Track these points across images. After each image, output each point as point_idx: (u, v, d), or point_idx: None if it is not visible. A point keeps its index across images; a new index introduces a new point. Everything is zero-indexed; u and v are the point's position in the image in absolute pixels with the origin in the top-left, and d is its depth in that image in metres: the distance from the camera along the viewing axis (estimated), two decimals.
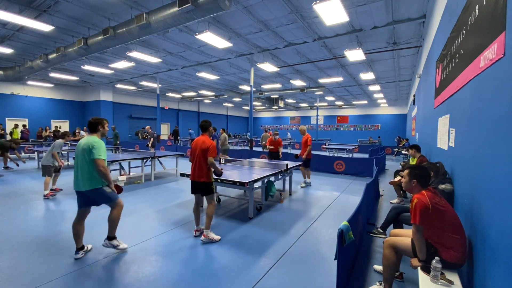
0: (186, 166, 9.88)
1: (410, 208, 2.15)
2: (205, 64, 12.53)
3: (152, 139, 10.09)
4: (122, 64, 11.58)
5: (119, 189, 3.21)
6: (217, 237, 3.49)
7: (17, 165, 9.05)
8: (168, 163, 10.08)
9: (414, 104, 11.86)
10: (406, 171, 2.34)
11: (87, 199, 2.98)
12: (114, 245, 3.10)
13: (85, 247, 3.10)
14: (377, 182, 6.03)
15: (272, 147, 7.82)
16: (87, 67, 12.19)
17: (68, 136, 5.95)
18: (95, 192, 2.92)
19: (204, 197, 3.64)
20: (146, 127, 10.83)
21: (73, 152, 10.48)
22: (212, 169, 3.55)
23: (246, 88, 18.51)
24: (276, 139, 7.86)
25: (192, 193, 3.61)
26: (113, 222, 3.06)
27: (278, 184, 6.21)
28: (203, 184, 3.50)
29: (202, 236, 3.46)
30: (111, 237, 3.10)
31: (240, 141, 22.71)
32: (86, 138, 2.99)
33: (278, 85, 17.51)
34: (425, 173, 2.27)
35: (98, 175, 2.90)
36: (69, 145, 11.24)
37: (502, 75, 1.56)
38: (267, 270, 2.79)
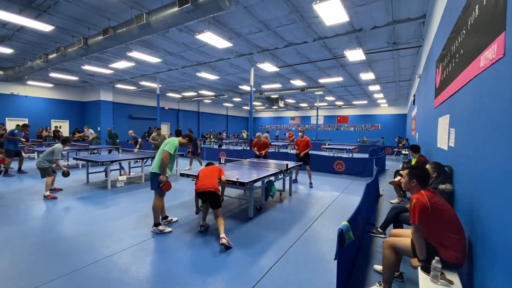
0: (186, 166, 9.88)
1: (409, 208, 2.15)
2: (205, 64, 12.53)
3: (138, 142, 9.98)
4: (122, 64, 11.57)
5: (168, 185, 3.74)
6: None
7: None
8: None
9: (414, 104, 11.86)
10: (406, 171, 2.34)
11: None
12: (160, 230, 3.67)
13: (169, 218, 4.06)
14: (377, 182, 6.03)
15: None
16: (87, 67, 12.19)
17: (70, 142, 6.03)
18: (153, 175, 3.73)
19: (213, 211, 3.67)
20: (129, 131, 10.72)
21: (73, 153, 10.55)
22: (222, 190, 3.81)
23: (246, 88, 18.50)
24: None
25: (203, 202, 3.82)
26: (154, 210, 3.68)
27: (278, 184, 6.21)
28: (213, 194, 3.58)
29: (223, 240, 3.27)
30: (156, 223, 3.68)
31: (240, 141, 22.71)
32: (171, 138, 3.86)
33: (278, 85, 17.51)
34: (425, 173, 2.27)
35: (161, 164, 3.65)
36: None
37: (502, 75, 1.56)
38: (267, 270, 2.79)
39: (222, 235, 3.37)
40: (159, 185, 3.70)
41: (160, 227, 3.68)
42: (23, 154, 8.64)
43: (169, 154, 3.67)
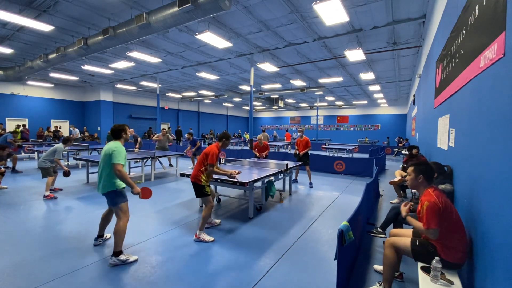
0: (186, 166, 9.88)
1: (420, 213, 2.13)
2: (205, 64, 12.53)
3: (138, 141, 10.05)
4: (122, 64, 11.57)
5: (147, 192, 3.15)
6: (209, 238, 3.47)
7: None
8: (168, 163, 10.07)
9: (414, 104, 11.87)
10: (411, 168, 2.33)
11: (106, 200, 3.11)
12: (122, 260, 2.84)
13: (104, 236, 3.42)
14: (377, 182, 6.03)
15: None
16: (87, 67, 12.19)
17: (71, 141, 6.05)
18: (107, 196, 3.03)
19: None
20: (130, 130, 10.85)
21: (73, 153, 10.53)
22: (209, 174, 3.62)
23: (246, 88, 18.50)
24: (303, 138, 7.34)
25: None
26: (117, 235, 2.89)
27: (278, 184, 6.21)
28: (194, 185, 3.60)
29: (194, 236, 3.51)
30: (117, 252, 2.86)
31: (239, 141, 22.70)
32: (109, 144, 3.03)
33: (278, 85, 17.50)
34: (430, 168, 2.30)
35: (113, 180, 2.96)
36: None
37: (502, 75, 1.56)
38: (267, 270, 2.79)
39: (198, 231, 3.49)
40: (115, 201, 3.00)
41: (122, 257, 2.86)
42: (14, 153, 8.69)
43: (123, 166, 2.91)
